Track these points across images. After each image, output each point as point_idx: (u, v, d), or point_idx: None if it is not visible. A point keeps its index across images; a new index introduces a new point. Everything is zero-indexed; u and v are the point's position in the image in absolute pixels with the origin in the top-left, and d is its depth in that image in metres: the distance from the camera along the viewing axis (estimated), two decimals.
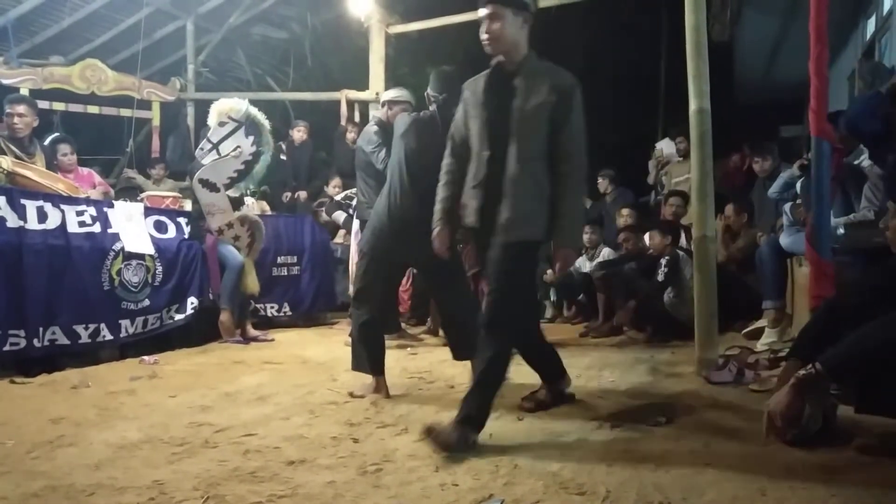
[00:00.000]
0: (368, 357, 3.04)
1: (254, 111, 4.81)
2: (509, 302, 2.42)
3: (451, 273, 3.08)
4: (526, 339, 2.73)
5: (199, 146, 4.91)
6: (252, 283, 4.90)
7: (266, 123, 4.86)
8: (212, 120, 4.81)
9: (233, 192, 5.01)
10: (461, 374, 3.60)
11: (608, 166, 7.13)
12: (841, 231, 3.32)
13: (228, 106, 4.75)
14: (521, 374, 2.87)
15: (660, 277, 4.76)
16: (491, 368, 2.39)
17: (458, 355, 3.15)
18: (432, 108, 3.13)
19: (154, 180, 6.78)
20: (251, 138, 4.78)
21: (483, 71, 2.65)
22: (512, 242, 2.39)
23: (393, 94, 4.64)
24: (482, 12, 2.49)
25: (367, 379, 3.07)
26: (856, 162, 3.48)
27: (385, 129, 4.44)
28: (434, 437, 2.20)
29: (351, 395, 3.04)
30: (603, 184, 7.02)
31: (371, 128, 4.67)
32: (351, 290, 3.18)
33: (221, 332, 4.71)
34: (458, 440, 2.19)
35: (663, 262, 4.79)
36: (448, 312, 3.23)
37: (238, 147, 4.73)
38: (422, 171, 2.92)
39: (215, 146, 4.72)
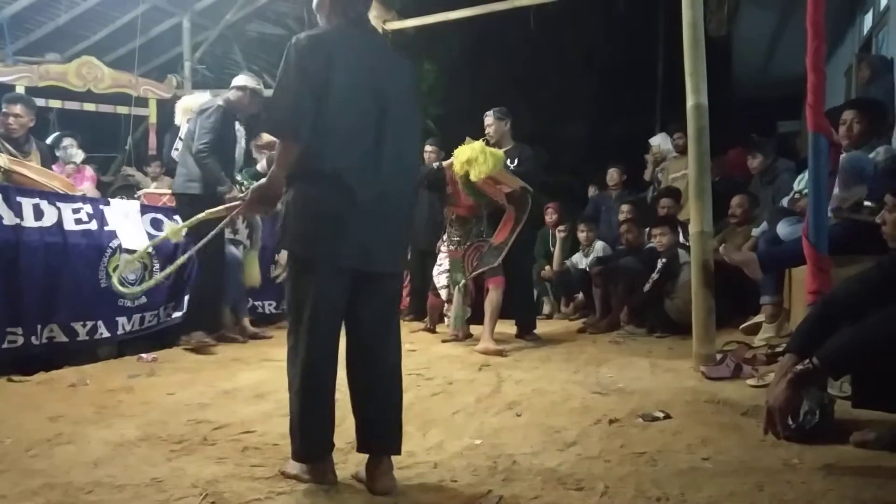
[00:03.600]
0: (307, 429, 1.94)
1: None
2: None
3: (394, 305, 2.17)
4: None
5: (174, 147, 4.93)
6: (255, 276, 4.90)
7: None
8: (179, 119, 4.84)
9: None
10: (460, 369, 3.61)
11: (618, 162, 7.09)
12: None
13: (192, 102, 4.75)
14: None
15: (654, 275, 4.78)
16: None
17: (371, 447, 1.98)
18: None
19: (151, 177, 6.77)
20: None
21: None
22: None
23: (258, 86, 4.51)
24: None
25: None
26: (870, 155, 3.47)
27: (229, 113, 4.32)
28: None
29: (282, 474, 2.00)
30: (614, 176, 6.91)
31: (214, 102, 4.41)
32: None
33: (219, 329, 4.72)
34: None
35: (660, 262, 4.80)
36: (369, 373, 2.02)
37: None
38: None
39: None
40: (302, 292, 1.93)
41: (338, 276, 1.93)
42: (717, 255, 3.82)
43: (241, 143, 4.88)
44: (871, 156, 3.45)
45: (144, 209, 4.60)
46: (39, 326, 3.74)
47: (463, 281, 4.49)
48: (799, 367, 1.93)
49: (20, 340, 3.64)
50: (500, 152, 4.25)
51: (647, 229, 5.50)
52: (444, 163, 4.51)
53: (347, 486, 1.93)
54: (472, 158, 4.10)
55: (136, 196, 5.13)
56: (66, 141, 5.34)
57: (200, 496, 1.85)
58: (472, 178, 4.12)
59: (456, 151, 4.30)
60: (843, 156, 3.56)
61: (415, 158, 2.25)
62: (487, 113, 4.78)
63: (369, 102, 1.97)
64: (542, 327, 5.31)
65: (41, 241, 3.78)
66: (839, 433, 2.16)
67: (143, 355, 3.97)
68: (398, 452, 1.98)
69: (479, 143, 4.17)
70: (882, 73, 4.97)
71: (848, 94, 6.06)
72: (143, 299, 4.37)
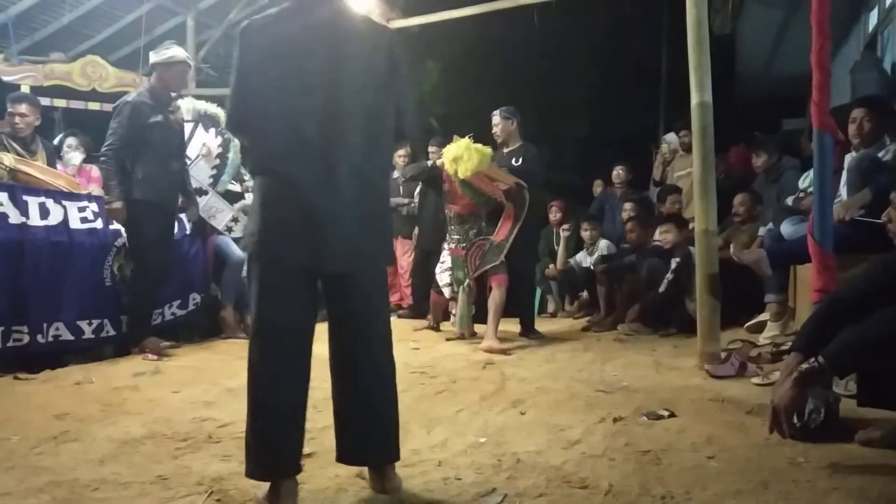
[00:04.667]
0: (255, 441, 1.78)
1: (201, 105, 4.75)
2: None
3: (376, 307, 1.93)
4: None
5: None
6: None
7: (219, 111, 4.79)
8: None
9: (234, 188, 5.03)
10: (464, 368, 3.61)
11: (623, 160, 7.07)
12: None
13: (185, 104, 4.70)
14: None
15: (669, 275, 4.70)
16: None
17: (348, 458, 1.91)
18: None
19: None
20: (212, 130, 4.78)
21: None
22: None
23: (168, 53, 4.10)
24: None
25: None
26: (879, 154, 3.46)
27: (156, 97, 4.10)
28: None
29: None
30: (620, 174, 6.89)
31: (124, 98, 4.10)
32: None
33: (223, 328, 4.73)
34: None
35: (674, 262, 4.73)
36: (349, 385, 1.88)
37: (204, 144, 4.73)
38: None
39: (183, 127, 4.71)
40: (254, 292, 1.84)
41: (285, 275, 1.80)
42: (723, 253, 3.81)
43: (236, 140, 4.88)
44: (881, 154, 3.44)
45: None
46: (45, 325, 3.75)
47: (467, 281, 4.49)
48: (804, 365, 1.92)
49: (26, 339, 3.66)
50: (488, 149, 4.24)
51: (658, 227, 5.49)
52: (438, 161, 4.53)
53: (352, 483, 1.94)
54: (459, 156, 4.12)
55: None
56: (67, 143, 5.34)
57: (205, 493, 1.85)
58: (460, 174, 4.15)
59: (444, 149, 4.34)
60: (851, 155, 3.55)
61: (380, 153, 1.96)
62: (494, 112, 4.79)
63: (313, 96, 1.80)
64: (546, 326, 5.32)
65: (47, 239, 3.80)
66: (844, 432, 2.16)
67: (148, 353, 3.98)
68: (388, 461, 1.87)
69: (465, 141, 4.19)
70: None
71: (853, 93, 6.05)
72: None
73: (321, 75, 1.80)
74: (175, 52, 4.16)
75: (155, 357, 3.87)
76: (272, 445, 1.77)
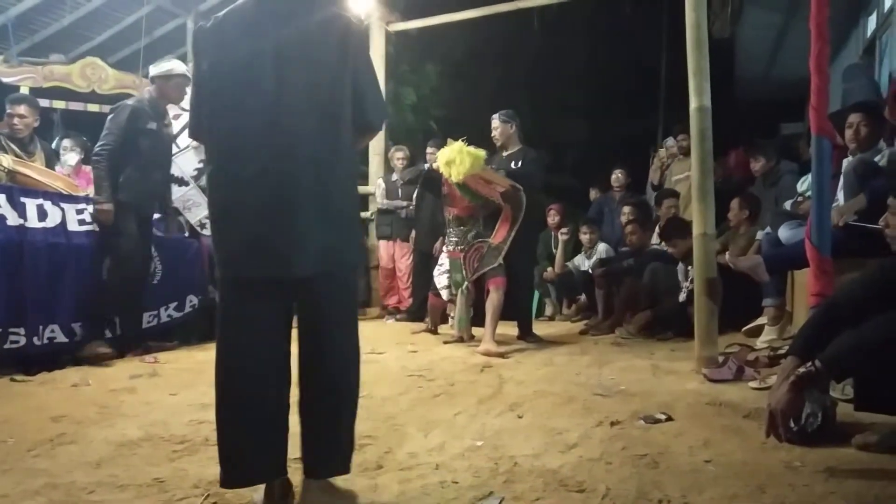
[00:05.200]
0: (222, 448, 1.75)
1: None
2: None
3: (343, 310, 1.84)
4: None
5: None
6: None
7: None
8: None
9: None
10: (461, 371, 3.61)
11: (622, 164, 7.07)
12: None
13: None
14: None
15: (689, 285, 4.59)
16: None
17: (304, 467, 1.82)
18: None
19: None
20: None
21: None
22: None
23: (167, 66, 4.26)
24: None
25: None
26: (875, 159, 3.47)
27: (154, 107, 4.22)
28: None
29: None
30: (619, 178, 6.88)
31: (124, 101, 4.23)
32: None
33: None
34: None
35: (692, 271, 4.65)
36: (315, 386, 1.81)
37: None
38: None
39: (173, 141, 4.72)
40: (219, 294, 1.83)
41: (236, 284, 1.76)
42: (720, 257, 3.81)
43: None
44: (877, 159, 3.44)
45: None
46: (41, 327, 3.75)
47: (465, 283, 4.49)
48: (801, 369, 1.93)
49: (22, 341, 3.66)
50: (481, 152, 4.24)
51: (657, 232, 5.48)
52: (435, 164, 4.54)
53: (348, 487, 1.93)
54: (451, 159, 4.12)
55: None
56: (63, 144, 5.34)
57: (202, 496, 1.85)
58: (453, 178, 4.16)
59: (438, 153, 4.35)
60: (848, 160, 3.56)
61: (342, 148, 1.81)
62: (493, 116, 4.79)
63: (262, 96, 1.71)
64: (543, 329, 5.31)
65: (45, 241, 3.80)
66: (841, 436, 2.16)
67: (145, 356, 3.98)
68: (335, 473, 1.82)
69: (458, 144, 4.19)
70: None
71: (843, 101, 6.05)
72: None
73: (268, 73, 1.72)
74: (173, 65, 4.29)
75: (95, 356, 3.80)
76: (245, 452, 1.74)
